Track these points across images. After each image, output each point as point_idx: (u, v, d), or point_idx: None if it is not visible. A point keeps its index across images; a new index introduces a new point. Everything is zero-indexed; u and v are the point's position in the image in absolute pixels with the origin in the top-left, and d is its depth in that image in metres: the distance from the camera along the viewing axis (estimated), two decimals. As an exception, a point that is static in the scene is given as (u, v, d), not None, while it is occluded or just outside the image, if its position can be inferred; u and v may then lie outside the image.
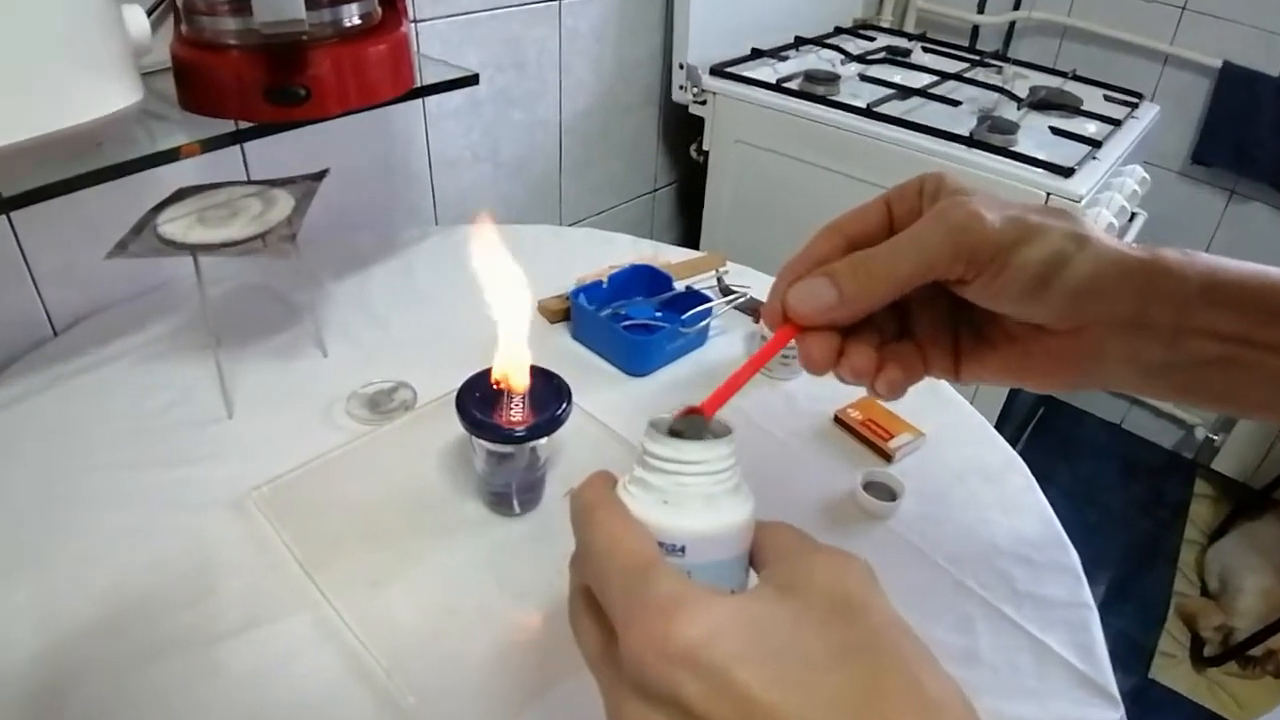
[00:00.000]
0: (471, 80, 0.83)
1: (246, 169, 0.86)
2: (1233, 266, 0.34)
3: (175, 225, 0.61)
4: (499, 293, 0.49)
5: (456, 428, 0.52)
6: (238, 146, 0.84)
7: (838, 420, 0.70)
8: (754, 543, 0.30)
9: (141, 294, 0.80)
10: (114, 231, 0.60)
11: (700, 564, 0.28)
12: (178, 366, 0.70)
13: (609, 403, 0.68)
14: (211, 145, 0.65)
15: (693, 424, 0.30)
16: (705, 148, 1.32)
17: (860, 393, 0.69)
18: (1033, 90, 1.31)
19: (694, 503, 0.29)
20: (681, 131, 1.41)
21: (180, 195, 0.65)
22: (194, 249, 0.59)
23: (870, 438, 0.68)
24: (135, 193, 0.64)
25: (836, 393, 0.70)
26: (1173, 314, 0.34)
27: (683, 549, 0.28)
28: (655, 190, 1.48)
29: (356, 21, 0.66)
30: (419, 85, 0.77)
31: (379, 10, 0.69)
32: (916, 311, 0.38)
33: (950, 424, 0.72)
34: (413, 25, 0.95)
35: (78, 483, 0.59)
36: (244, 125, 0.66)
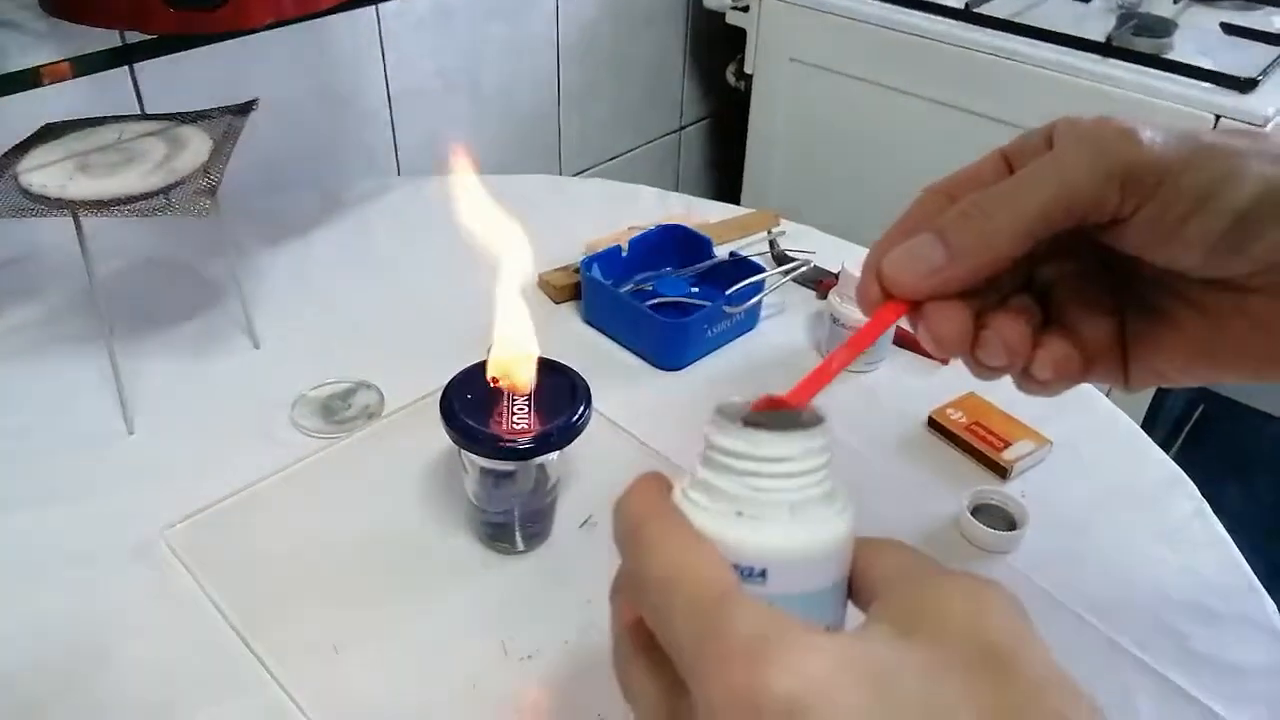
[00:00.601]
0: (442, -19, 0.83)
1: (139, 100, 0.85)
2: None
3: (46, 174, 0.59)
4: (496, 256, 0.48)
5: (439, 440, 0.52)
6: (126, 68, 0.82)
7: (933, 423, 0.70)
8: (854, 567, 0.30)
9: None
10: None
11: (786, 593, 0.28)
12: (55, 367, 0.70)
13: (633, 405, 0.68)
14: (88, 66, 0.64)
15: (776, 419, 0.30)
16: (748, 70, 1.31)
17: (962, 388, 0.70)
18: (1192, -23, 1.29)
19: (777, 513, 0.29)
20: (717, 49, 1.41)
21: (49, 133, 0.63)
22: (74, 207, 0.57)
23: (979, 446, 0.67)
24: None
25: (931, 387, 0.70)
26: None
27: (763, 574, 0.28)
28: (681, 128, 1.48)
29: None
30: (373, -13, 0.76)
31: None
32: (1061, 292, 0.38)
33: (1085, 427, 0.70)
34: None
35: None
36: (135, 38, 0.65)
